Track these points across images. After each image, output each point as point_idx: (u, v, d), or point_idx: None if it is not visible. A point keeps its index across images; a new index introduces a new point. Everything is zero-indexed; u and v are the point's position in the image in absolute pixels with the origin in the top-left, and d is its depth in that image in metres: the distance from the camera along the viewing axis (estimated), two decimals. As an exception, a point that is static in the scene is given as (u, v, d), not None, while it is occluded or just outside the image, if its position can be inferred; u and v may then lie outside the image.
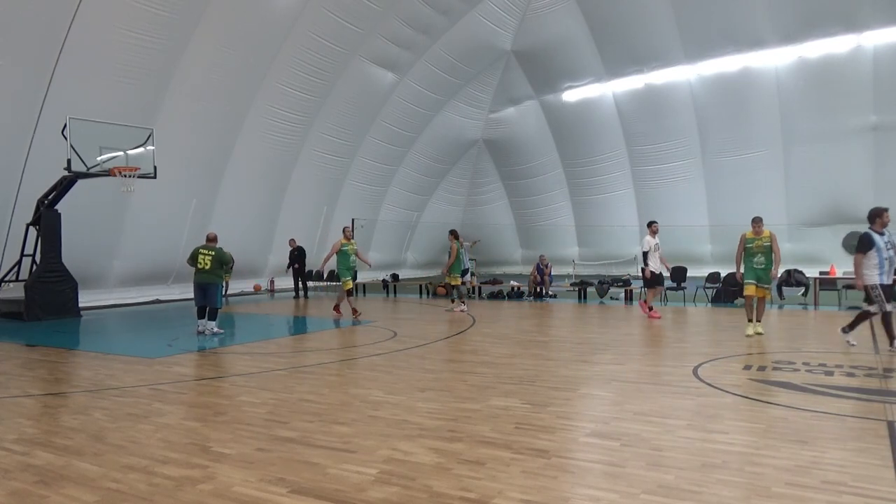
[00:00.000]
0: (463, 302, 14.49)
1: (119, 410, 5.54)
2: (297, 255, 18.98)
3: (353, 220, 22.11)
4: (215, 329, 10.32)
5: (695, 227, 23.02)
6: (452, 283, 14.62)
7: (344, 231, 13.47)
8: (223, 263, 10.40)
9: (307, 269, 19.89)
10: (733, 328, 10.75)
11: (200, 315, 10.51)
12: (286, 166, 19.82)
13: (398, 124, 23.21)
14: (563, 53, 23.18)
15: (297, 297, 18.69)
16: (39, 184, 13.05)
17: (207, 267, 10.28)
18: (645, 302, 12.53)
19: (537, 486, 3.63)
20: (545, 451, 4.24)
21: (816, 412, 5.10)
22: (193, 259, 10.43)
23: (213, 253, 10.40)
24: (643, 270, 12.39)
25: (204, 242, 10.71)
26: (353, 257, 13.01)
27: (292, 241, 19.20)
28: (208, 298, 10.32)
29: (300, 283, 19.01)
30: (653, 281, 12.34)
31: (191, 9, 14.50)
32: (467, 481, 3.70)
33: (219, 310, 10.48)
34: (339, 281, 13.36)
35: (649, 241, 12.23)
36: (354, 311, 12.71)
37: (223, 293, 18.39)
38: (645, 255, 12.24)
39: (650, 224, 12.65)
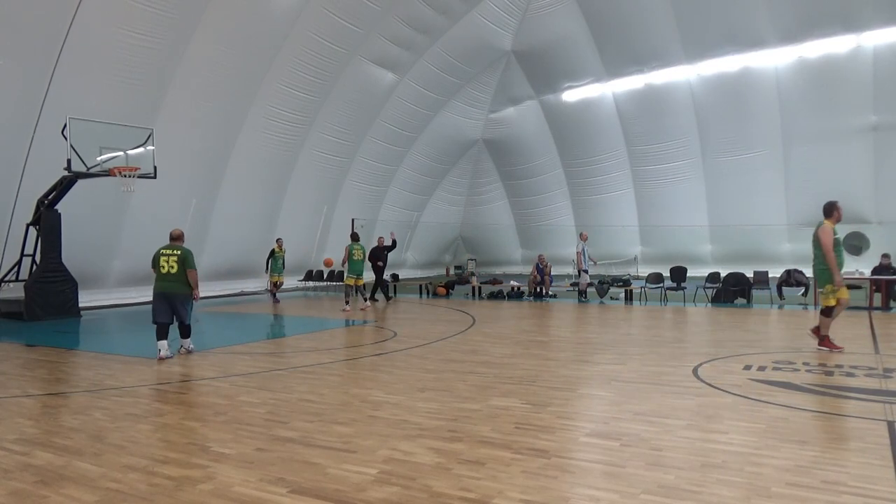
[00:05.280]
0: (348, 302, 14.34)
1: (119, 410, 5.54)
2: (386, 253, 16.83)
3: (352, 220, 22.11)
4: (190, 347, 8.48)
5: (695, 227, 23.03)
6: (350, 283, 14.44)
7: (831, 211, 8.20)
8: (188, 268, 8.25)
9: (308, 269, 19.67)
10: (733, 328, 10.75)
11: (161, 335, 8.13)
12: (286, 166, 19.82)
13: (398, 124, 23.21)
14: (563, 53, 23.18)
15: (374, 299, 16.83)
16: (39, 184, 13.05)
17: (174, 270, 8.16)
18: None
19: (537, 486, 3.63)
20: (545, 451, 4.24)
21: (816, 412, 5.11)
22: (155, 262, 8.31)
23: (179, 253, 8.25)
24: None
25: (168, 242, 8.52)
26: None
27: (381, 239, 17.33)
28: (176, 313, 8.23)
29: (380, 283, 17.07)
30: None
31: (191, 9, 14.50)
32: (467, 481, 3.70)
33: (189, 325, 8.47)
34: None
35: None
36: (822, 337, 8.10)
37: (276, 293, 17.35)
38: None
39: None
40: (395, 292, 19.71)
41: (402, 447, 4.36)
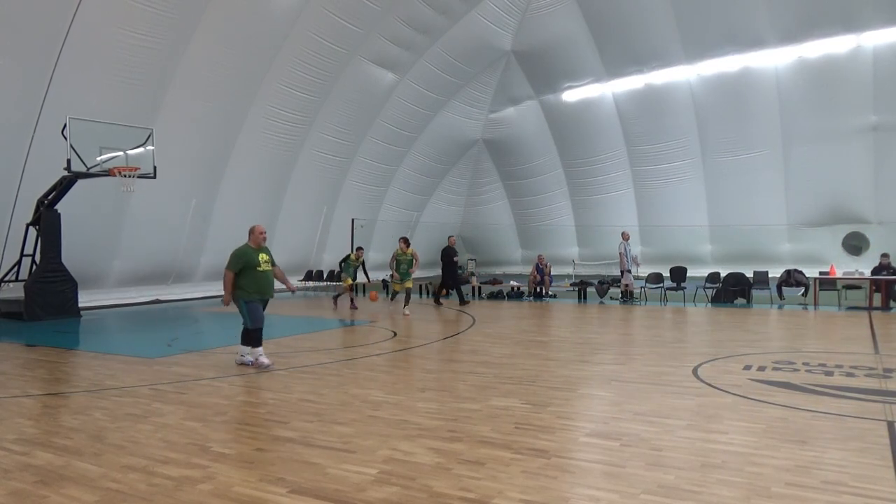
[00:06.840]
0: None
1: (119, 410, 5.54)
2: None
3: (352, 220, 22.12)
4: (243, 358, 7.60)
5: (695, 228, 23.03)
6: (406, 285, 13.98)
7: None
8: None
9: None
10: (733, 328, 10.75)
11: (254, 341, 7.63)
12: (286, 166, 19.82)
13: (398, 124, 23.20)
14: (563, 53, 23.16)
15: (439, 303, 16.22)
16: (39, 184, 13.05)
17: None
18: None
19: (537, 486, 3.63)
20: (545, 451, 4.24)
21: (816, 412, 5.10)
22: None
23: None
24: None
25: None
26: None
27: (452, 238, 17.22)
28: None
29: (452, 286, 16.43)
30: None
31: (191, 9, 14.49)
32: (467, 481, 3.70)
33: (248, 330, 7.55)
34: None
35: None
36: None
37: (335, 299, 15.94)
38: None
39: None
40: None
41: (402, 447, 4.36)
